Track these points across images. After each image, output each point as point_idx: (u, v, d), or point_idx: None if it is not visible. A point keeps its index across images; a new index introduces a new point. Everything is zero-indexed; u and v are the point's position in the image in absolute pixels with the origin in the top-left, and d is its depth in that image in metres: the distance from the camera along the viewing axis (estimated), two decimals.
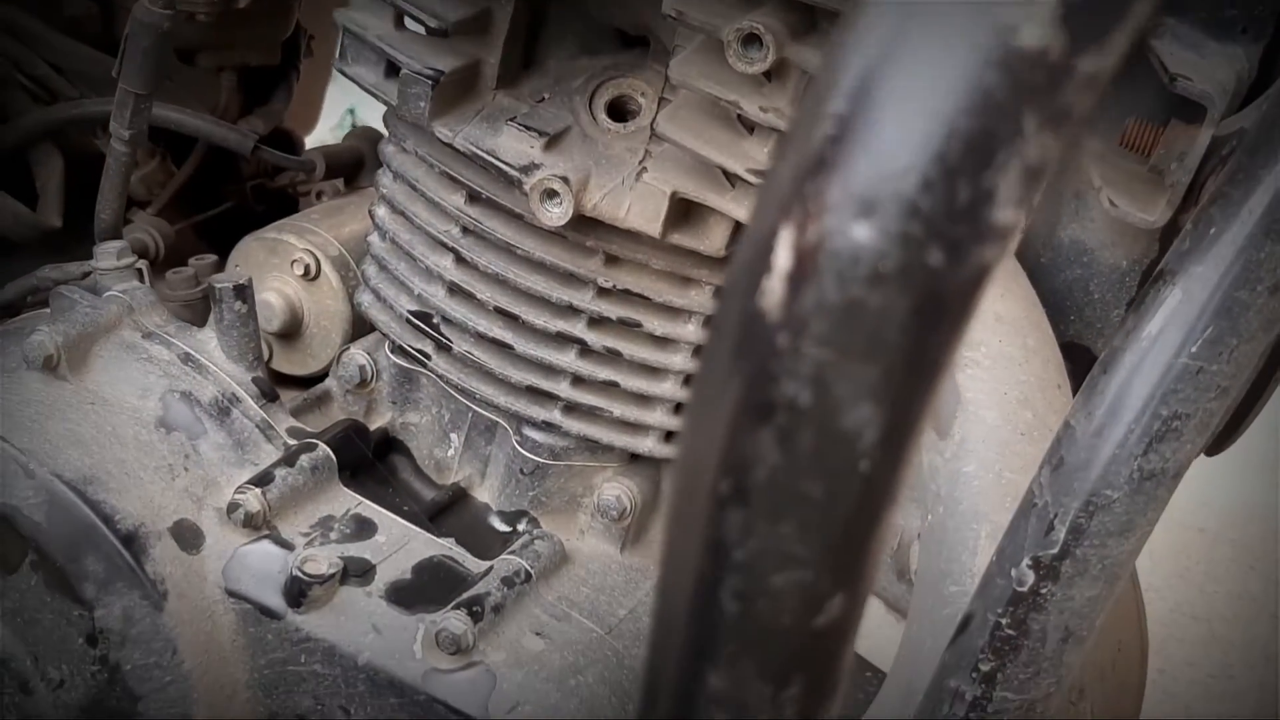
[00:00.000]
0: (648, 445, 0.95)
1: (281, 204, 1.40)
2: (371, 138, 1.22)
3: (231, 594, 0.87)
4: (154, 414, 0.92)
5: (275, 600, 0.87)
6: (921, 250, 0.29)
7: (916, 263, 0.30)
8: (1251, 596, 2.27)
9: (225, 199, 1.32)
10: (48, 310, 1.02)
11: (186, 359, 0.95)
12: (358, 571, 0.89)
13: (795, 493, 0.28)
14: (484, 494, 1.01)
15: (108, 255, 0.99)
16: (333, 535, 0.91)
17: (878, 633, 0.95)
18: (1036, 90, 0.28)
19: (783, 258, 0.30)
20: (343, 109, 2.99)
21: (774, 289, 0.30)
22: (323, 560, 0.87)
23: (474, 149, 0.86)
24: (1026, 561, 0.54)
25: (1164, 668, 1.99)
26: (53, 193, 1.10)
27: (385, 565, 0.90)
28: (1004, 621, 0.54)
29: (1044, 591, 0.54)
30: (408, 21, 0.89)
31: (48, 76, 1.10)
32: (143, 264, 0.98)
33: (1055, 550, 0.54)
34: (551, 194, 0.84)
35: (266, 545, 0.89)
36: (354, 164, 1.20)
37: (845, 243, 0.30)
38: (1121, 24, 0.28)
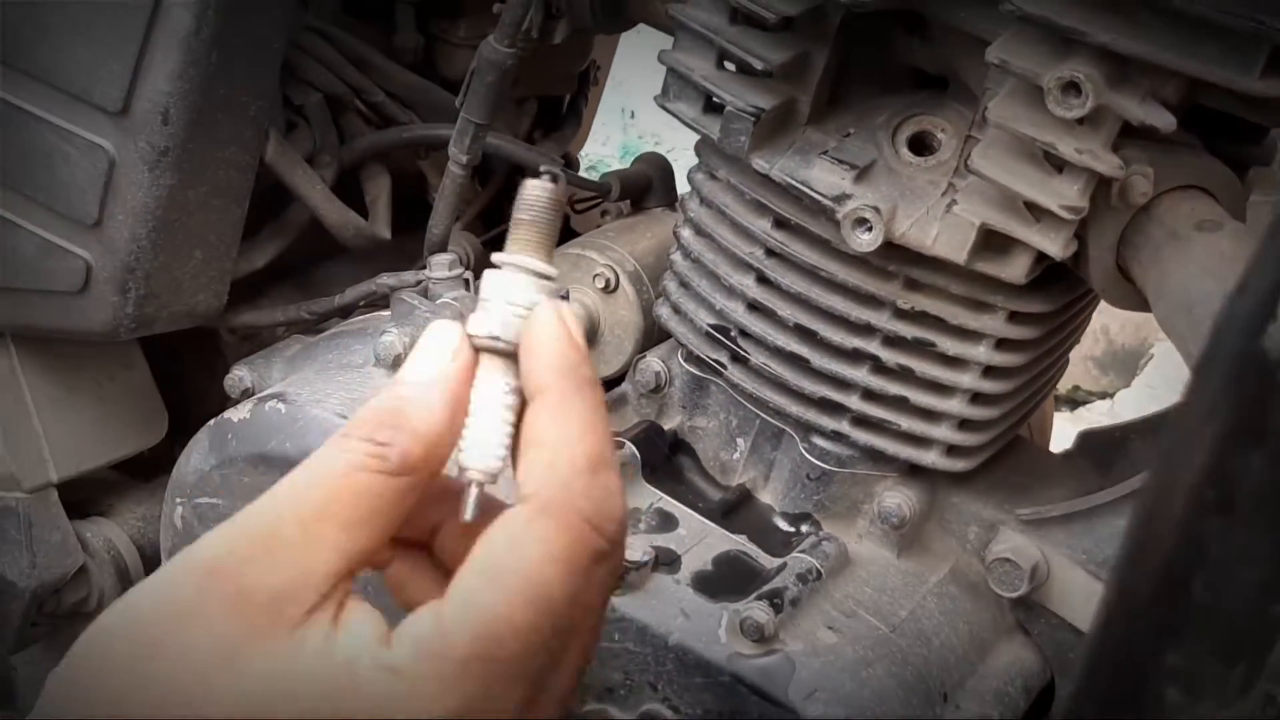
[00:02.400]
0: (931, 458, 1.01)
1: None
2: (659, 163, 1.31)
3: None
4: None
5: None
6: None
7: None
8: None
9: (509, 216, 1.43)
10: (382, 312, 1.14)
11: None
12: (666, 560, 0.98)
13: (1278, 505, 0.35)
14: (767, 496, 1.08)
15: (440, 265, 1.10)
16: (640, 526, 1.00)
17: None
18: None
19: None
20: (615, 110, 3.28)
21: (1275, 335, 0.36)
22: (637, 548, 0.96)
23: (789, 180, 0.94)
24: None
25: None
26: (382, 207, 1.22)
27: (688, 556, 0.99)
28: None
29: None
30: (726, 63, 0.98)
31: (383, 103, 1.22)
32: (468, 274, 1.09)
33: None
34: (863, 222, 0.91)
35: None
36: (643, 187, 1.29)
37: None
38: None
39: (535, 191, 0.61)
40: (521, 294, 0.60)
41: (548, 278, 0.61)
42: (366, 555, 0.57)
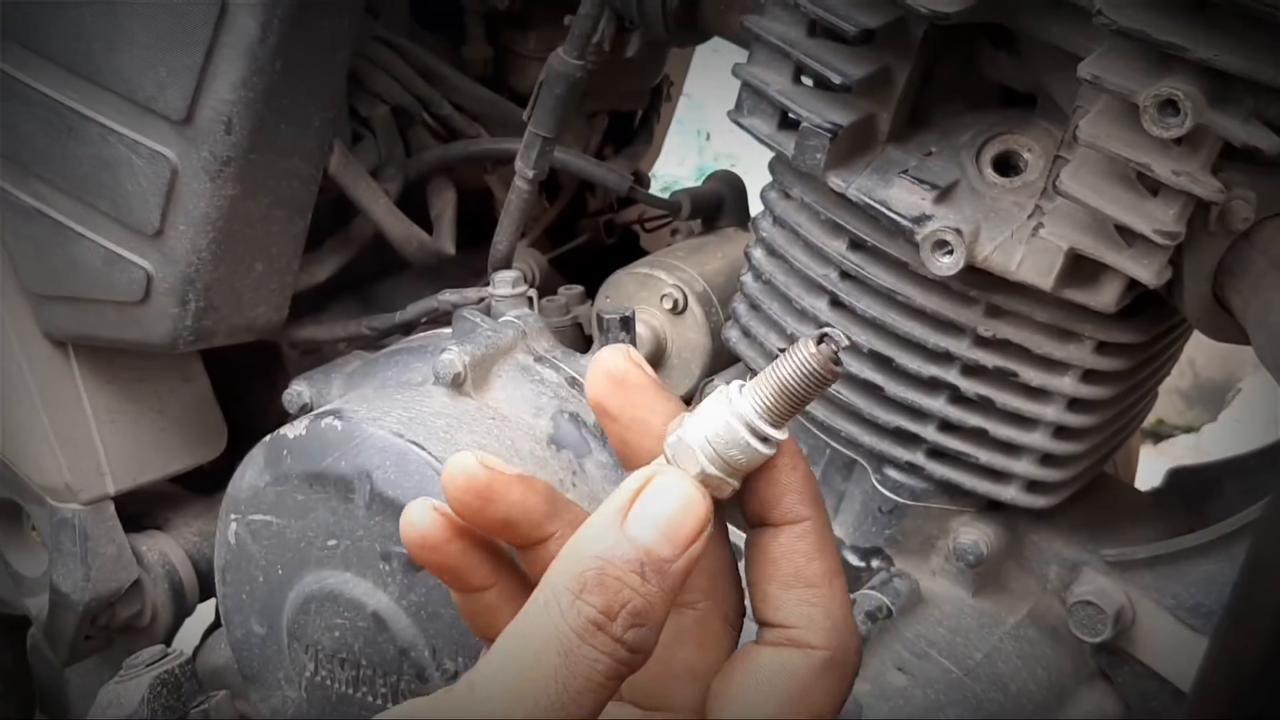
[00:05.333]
0: (1010, 494, 0.96)
1: (626, 237, 1.48)
2: (732, 181, 1.28)
3: None
4: (546, 432, 0.99)
5: None
6: None
7: None
8: None
9: (578, 232, 1.40)
10: (444, 329, 1.11)
11: (573, 382, 1.02)
12: None
13: None
14: (837, 528, 1.04)
15: (504, 283, 1.08)
16: None
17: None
18: None
19: None
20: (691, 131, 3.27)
21: None
22: None
23: (866, 199, 0.90)
24: None
25: None
26: (447, 222, 1.20)
27: None
28: None
29: None
30: (803, 77, 0.94)
31: (450, 116, 1.20)
32: (532, 292, 1.06)
33: None
34: (943, 244, 0.87)
35: None
36: (715, 205, 1.26)
37: None
38: None
39: (800, 356, 0.52)
40: (739, 439, 0.52)
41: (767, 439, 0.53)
42: None
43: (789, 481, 0.54)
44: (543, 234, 1.29)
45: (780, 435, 0.53)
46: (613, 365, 0.55)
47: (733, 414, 0.52)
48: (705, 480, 0.51)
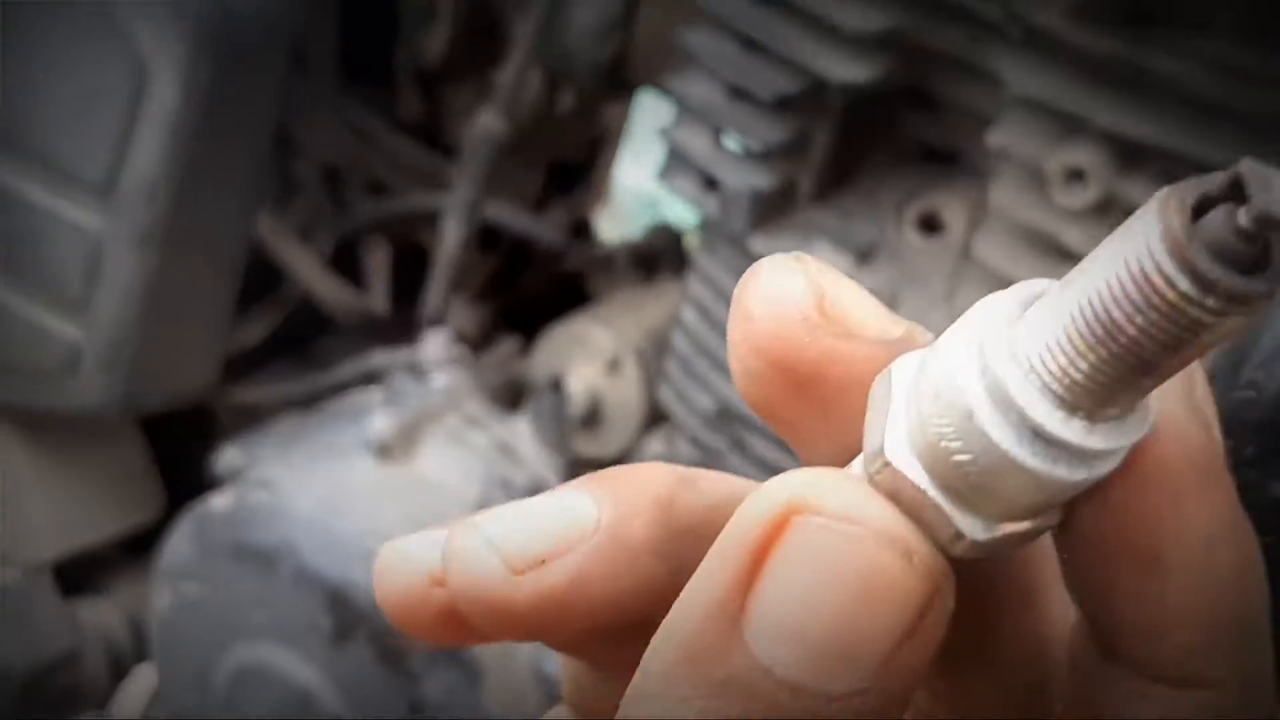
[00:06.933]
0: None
1: (569, 287, 1.47)
2: (672, 234, 1.27)
3: (541, 675, 0.93)
4: (475, 498, 0.99)
5: None
6: None
7: None
8: None
9: (519, 282, 1.40)
10: (376, 390, 1.10)
11: (503, 446, 1.02)
12: None
13: None
14: None
15: (435, 342, 1.07)
16: None
17: None
18: None
19: None
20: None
21: None
22: None
23: None
24: None
25: None
26: (380, 280, 1.19)
27: None
28: None
29: None
30: (727, 140, 0.94)
31: (382, 173, 1.20)
32: (465, 351, 1.06)
33: None
34: None
35: None
36: (653, 258, 1.25)
37: (1264, 498, 0.32)
38: None
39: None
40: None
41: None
42: None
43: (1183, 583, 0.25)
44: (486, 283, 1.29)
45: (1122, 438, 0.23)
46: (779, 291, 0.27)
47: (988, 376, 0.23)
48: (926, 515, 0.24)
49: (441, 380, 1.05)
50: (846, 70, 0.83)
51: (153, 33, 0.95)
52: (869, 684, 0.23)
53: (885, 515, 0.23)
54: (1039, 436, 0.22)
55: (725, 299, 0.98)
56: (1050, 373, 0.22)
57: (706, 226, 0.99)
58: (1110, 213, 0.78)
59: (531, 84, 1.05)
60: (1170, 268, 0.20)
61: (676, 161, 0.96)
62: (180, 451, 1.26)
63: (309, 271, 1.14)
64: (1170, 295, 0.20)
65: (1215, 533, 0.24)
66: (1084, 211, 0.77)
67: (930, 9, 0.80)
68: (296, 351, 1.25)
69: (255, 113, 1.03)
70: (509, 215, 1.16)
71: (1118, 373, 0.22)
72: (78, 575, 1.25)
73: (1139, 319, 0.21)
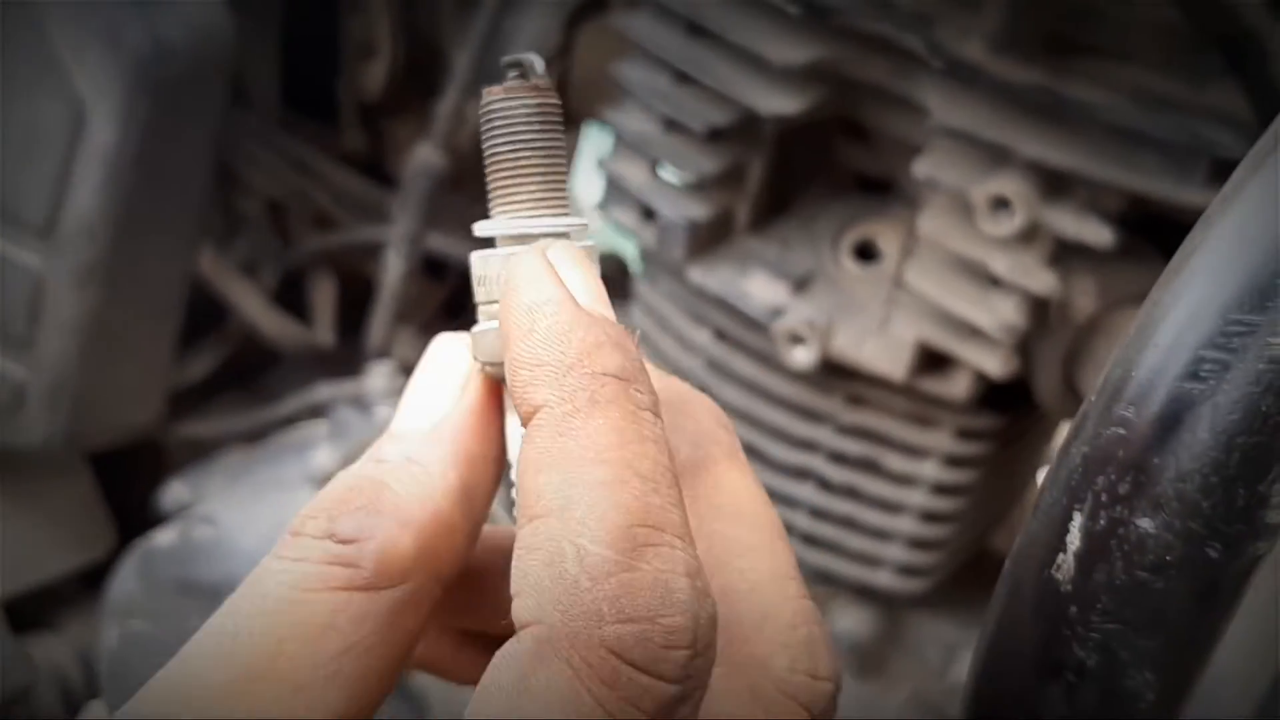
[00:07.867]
0: (884, 579, 0.96)
1: None
2: (619, 262, 1.28)
3: None
4: None
5: None
6: (1202, 544, 0.32)
7: (1198, 555, 0.32)
8: None
9: (468, 312, 1.40)
10: (321, 422, 1.10)
11: None
12: None
13: None
14: None
15: (379, 374, 1.07)
16: None
17: None
18: None
19: (1075, 538, 0.34)
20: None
21: (1067, 564, 0.34)
22: None
23: (724, 292, 0.91)
24: None
25: None
26: (325, 313, 1.20)
27: None
28: None
29: None
30: (663, 172, 0.94)
31: (326, 206, 1.20)
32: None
33: None
34: (798, 339, 0.87)
35: None
36: None
37: (1134, 533, 0.33)
38: None
39: (500, 104, 0.36)
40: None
41: (561, 235, 0.36)
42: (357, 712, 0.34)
43: (520, 346, 0.35)
44: (435, 313, 1.29)
45: (517, 225, 0.35)
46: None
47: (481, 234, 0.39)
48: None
49: (386, 412, 1.05)
50: (775, 102, 0.83)
51: (90, 70, 0.96)
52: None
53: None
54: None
55: (667, 328, 0.99)
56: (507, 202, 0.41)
57: (646, 257, 1.00)
58: (1036, 239, 0.79)
59: (470, 116, 1.05)
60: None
61: (615, 192, 0.96)
62: (131, 487, 1.26)
63: (253, 306, 1.14)
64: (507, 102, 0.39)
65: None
66: (1010, 239, 0.78)
67: (854, 41, 0.81)
68: (243, 385, 1.25)
69: (195, 149, 1.03)
70: (454, 246, 1.16)
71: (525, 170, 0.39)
72: (29, 611, 1.24)
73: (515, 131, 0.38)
